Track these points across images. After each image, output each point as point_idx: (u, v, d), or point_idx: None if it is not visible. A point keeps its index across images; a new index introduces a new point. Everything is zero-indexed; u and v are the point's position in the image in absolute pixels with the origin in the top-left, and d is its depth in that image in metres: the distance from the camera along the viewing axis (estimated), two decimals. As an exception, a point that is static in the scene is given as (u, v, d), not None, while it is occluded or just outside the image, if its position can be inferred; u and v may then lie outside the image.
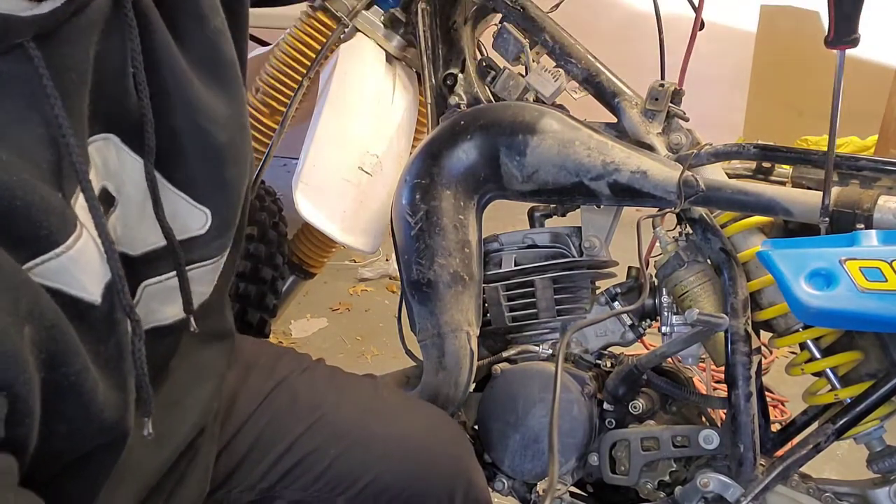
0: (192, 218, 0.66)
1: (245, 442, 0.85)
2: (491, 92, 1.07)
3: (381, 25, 1.12)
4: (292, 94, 1.10)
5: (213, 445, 0.82)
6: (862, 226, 0.84)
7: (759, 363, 0.97)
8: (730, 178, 0.95)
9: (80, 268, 0.53)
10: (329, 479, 0.85)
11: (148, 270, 0.65)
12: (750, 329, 0.93)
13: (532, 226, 1.11)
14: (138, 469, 0.69)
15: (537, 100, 1.04)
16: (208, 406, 0.78)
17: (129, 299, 0.58)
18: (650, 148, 0.97)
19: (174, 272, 0.66)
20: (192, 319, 0.69)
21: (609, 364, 1.04)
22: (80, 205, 0.55)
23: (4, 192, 0.48)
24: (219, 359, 0.81)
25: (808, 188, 0.92)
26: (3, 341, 0.46)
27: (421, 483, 0.86)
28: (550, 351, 1.03)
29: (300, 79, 1.10)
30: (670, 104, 0.98)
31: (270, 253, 1.32)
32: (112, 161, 0.60)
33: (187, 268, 0.67)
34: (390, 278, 2.70)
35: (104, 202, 0.59)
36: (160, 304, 0.67)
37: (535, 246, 1.06)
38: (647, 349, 1.53)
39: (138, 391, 0.61)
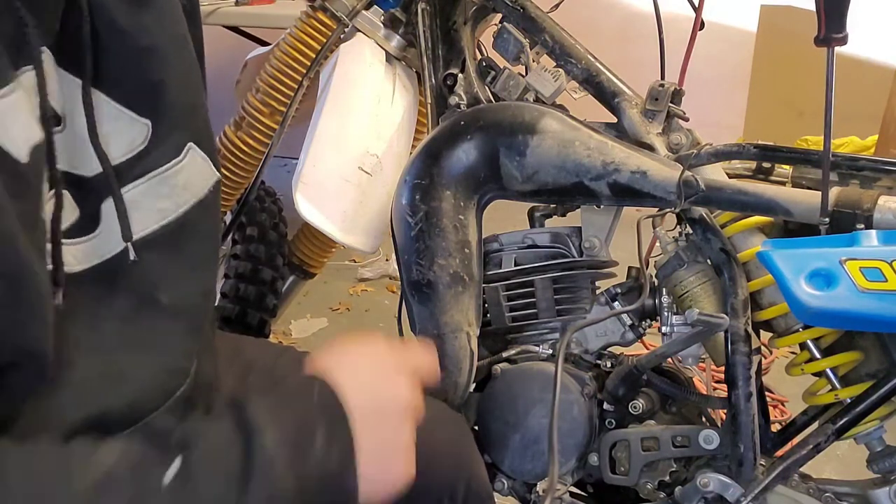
0: (135, 132, 0.66)
1: None
2: (491, 92, 1.07)
3: (381, 25, 1.12)
4: (292, 94, 1.10)
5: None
6: (862, 226, 0.84)
7: (759, 363, 0.97)
8: (730, 178, 0.95)
9: (10, 119, 0.54)
10: None
11: (105, 191, 0.65)
12: (750, 329, 0.93)
13: (532, 226, 1.11)
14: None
15: (537, 100, 1.04)
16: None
17: (56, 167, 0.59)
18: (650, 148, 0.97)
19: (127, 186, 0.65)
20: (130, 248, 0.66)
21: (609, 364, 1.04)
22: (25, 79, 0.56)
23: None
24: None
25: (808, 188, 0.92)
26: None
27: (423, 475, 0.86)
28: (550, 351, 1.03)
29: (300, 79, 1.10)
30: (670, 104, 0.98)
31: (270, 254, 1.32)
32: (51, 78, 0.60)
33: (135, 183, 0.66)
34: (390, 278, 2.70)
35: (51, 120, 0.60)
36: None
37: (535, 246, 1.06)
38: (647, 349, 1.53)
39: (53, 262, 0.60)
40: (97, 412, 0.64)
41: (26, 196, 0.56)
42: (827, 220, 0.85)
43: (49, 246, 0.59)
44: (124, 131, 0.65)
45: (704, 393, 1.06)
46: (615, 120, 1.01)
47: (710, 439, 0.97)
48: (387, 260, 2.70)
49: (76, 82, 0.62)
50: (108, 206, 0.65)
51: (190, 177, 0.70)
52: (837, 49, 0.77)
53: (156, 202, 0.68)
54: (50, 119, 0.59)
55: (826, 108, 0.79)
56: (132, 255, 0.66)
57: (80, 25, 0.60)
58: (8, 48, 0.55)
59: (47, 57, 0.60)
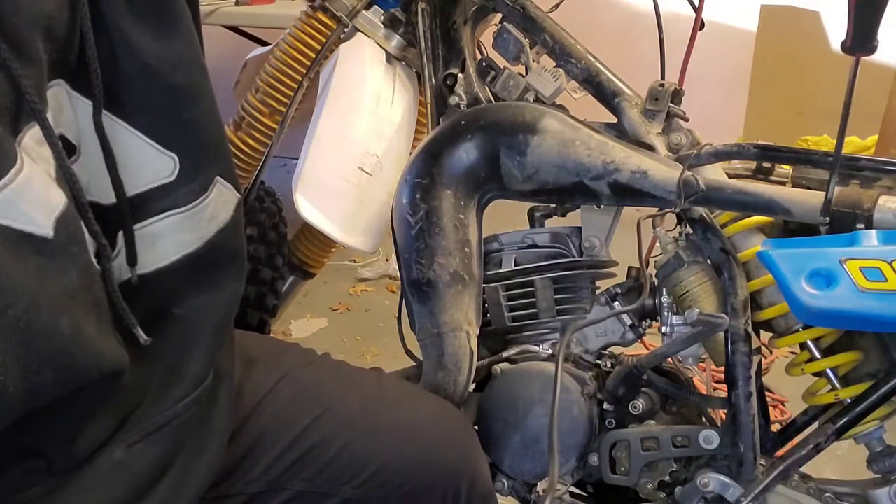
0: (160, 165, 0.66)
1: (250, 434, 0.84)
2: (491, 92, 1.07)
3: (381, 25, 1.12)
4: (292, 94, 1.09)
5: (231, 401, 0.80)
6: (862, 226, 0.84)
7: (759, 363, 0.97)
8: (730, 178, 0.95)
9: (25, 200, 0.53)
10: (335, 469, 0.85)
11: (122, 219, 0.65)
12: (750, 329, 0.93)
13: (532, 226, 1.11)
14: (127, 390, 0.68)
15: (537, 100, 1.04)
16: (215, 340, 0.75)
17: (93, 222, 0.58)
18: (650, 148, 0.97)
19: (152, 219, 0.66)
20: (133, 271, 0.66)
21: (609, 364, 1.04)
22: (31, 136, 0.55)
23: None
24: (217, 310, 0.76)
25: (808, 188, 0.92)
26: None
27: (426, 472, 0.86)
28: (550, 351, 1.03)
29: (300, 79, 1.10)
30: (670, 104, 0.98)
31: (270, 254, 1.32)
32: (66, 108, 0.60)
33: (160, 216, 0.67)
34: (390, 278, 2.70)
35: (64, 149, 0.59)
36: (139, 249, 0.67)
37: (535, 246, 1.06)
38: (647, 349, 1.53)
39: (111, 308, 0.61)
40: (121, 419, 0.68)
41: (66, 269, 0.56)
42: (827, 219, 0.85)
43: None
44: (148, 162, 0.65)
45: (704, 393, 1.06)
46: (615, 120, 1.01)
47: (710, 439, 0.97)
48: (387, 260, 2.71)
49: (88, 105, 0.61)
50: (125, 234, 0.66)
51: (216, 208, 0.71)
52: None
53: (180, 235, 0.69)
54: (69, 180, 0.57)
55: (843, 112, 0.78)
56: (134, 279, 0.67)
57: (89, 51, 0.60)
58: (11, 121, 0.54)
59: (59, 89, 0.59)
